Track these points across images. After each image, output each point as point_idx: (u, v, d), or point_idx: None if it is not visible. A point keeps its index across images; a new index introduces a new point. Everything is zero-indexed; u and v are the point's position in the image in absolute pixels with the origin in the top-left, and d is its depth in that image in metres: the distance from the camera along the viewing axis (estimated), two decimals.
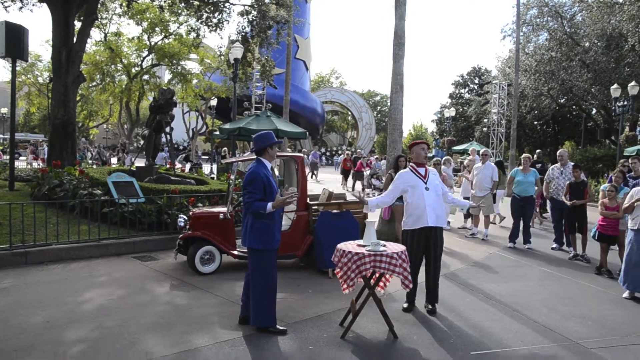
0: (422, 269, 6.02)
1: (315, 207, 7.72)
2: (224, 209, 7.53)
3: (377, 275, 5.20)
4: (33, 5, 15.53)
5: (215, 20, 17.57)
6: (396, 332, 5.09)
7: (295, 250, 7.53)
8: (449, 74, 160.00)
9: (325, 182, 24.55)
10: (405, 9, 10.42)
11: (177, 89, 28.32)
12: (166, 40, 27.92)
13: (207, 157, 36.05)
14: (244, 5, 18.19)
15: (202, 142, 55.47)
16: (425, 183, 5.90)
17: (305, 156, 25.93)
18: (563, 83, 31.26)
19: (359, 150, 29.06)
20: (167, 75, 32.95)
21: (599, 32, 28.37)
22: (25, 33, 10.89)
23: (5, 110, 43.99)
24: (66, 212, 8.78)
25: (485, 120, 42.34)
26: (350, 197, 9.62)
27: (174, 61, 27.60)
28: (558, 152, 10.31)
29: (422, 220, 5.82)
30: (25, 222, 8.10)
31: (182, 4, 17.95)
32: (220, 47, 24.26)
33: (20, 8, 15.47)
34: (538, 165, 13.30)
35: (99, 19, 22.32)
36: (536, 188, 10.21)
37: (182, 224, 7.73)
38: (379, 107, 74.90)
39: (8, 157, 14.15)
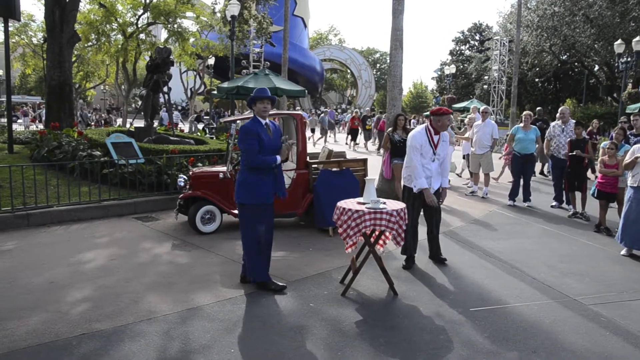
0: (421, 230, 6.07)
1: (315, 166, 7.71)
2: (224, 169, 7.52)
3: (377, 232, 5.22)
4: None
5: None
6: (396, 290, 5.15)
7: (296, 208, 7.55)
8: (449, 30, 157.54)
9: (341, 142, 24.51)
10: None
11: (174, 47, 27.87)
12: None
13: (207, 117, 35.83)
14: None
15: (200, 102, 55.08)
16: (434, 154, 5.93)
17: (322, 116, 25.64)
18: (565, 39, 30.75)
19: (367, 109, 28.60)
20: (163, 34, 32.36)
21: None
22: None
23: (0, 72, 43.44)
24: (66, 173, 8.78)
25: (486, 77, 41.83)
26: (350, 156, 9.57)
27: (170, 19, 27.06)
28: (559, 109, 10.21)
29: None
30: (25, 184, 8.10)
31: None
32: (215, 3, 23.68)
33: None
34: (538, 123, 13.23)
35: None
36: (536, 145, 10.15)
37: (182, 184, 7.73)
38: (378, 65, 73.98)
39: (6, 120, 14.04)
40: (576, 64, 37.34)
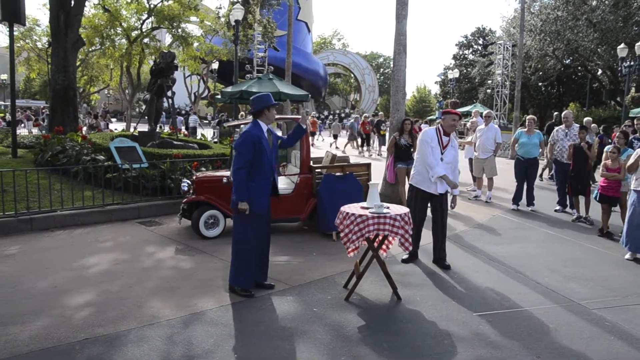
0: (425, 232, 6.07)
1: (319, 170, 7.71)
2: (227, 173, 7.51)
3: (380, 237, 5.21)
4: None
5: None
6: (400, 294, 5.14)
7: (299, 213, 7.55)
8: (453, 34, 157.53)
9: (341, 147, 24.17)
10: None
11: (178, 52, 27.97)
12: (166, 3, 27.43)
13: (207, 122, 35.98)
14: None
15: (204, 107, 55.20)
16: (442, 154, 6.01)
17: (352, 122, 24.77)
18: (569, 43, 30.70)
19: (380, 114, 27.96)
20: (167, 39, 32.49)
21: None
22: None
23: (5, 76, 43.61)
24: (70, 178, 8.79)
25: (489, 81, 41.75)
26: (354, 160, 9.57)
27: (174, 24, 27.18)
28: (563, 113, 10.20)
29: (426, 185, 6.11)
30: (29, 189, 8.11)
31: None
32: (219, 7, 23.76)
33: None
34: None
35: None
36: (539, 150, 10.13)
37: (185, 189, 7.73)
38: (382, 69, 74.08)
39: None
40: (579, 68, 37.26)
